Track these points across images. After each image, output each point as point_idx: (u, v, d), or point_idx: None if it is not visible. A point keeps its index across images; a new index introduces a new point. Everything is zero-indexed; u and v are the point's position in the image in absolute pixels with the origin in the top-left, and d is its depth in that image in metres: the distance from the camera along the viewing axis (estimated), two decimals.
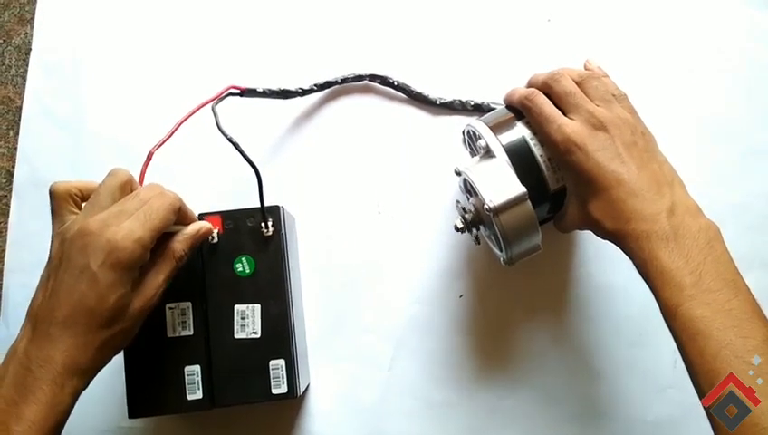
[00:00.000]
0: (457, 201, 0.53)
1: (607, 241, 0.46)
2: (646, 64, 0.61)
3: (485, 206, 0.46)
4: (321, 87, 0.59)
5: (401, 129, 0.61)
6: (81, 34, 0.62)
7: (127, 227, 0.42)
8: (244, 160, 0.48)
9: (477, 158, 0.50)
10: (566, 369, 0.58)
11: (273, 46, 0.62)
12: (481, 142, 0.50)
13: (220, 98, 0.50)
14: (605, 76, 0.49)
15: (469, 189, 0.50)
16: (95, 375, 0.43)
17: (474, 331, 0.58)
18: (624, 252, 0.45)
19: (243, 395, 0.49)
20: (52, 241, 0.44)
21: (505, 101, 0.52)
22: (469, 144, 0.55)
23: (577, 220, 0.48)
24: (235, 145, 0.48)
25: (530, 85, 0.51)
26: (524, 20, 0.62)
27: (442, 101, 0.60)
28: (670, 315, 0.41)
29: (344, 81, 0.60)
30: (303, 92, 0.59)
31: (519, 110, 0.50)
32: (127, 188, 0.45)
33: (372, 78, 0.60)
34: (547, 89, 0.49)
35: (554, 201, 0.50)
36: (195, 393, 0.49)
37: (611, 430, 0.57)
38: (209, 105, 0.50)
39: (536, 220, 0.47)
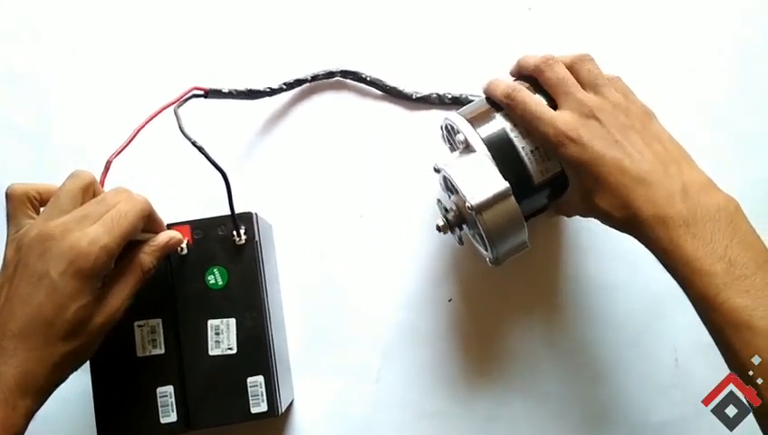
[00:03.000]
0: (438, 200, 0.51)
1: (621, 233, 0.44)
2: (628, 51, 0.59)
3: (467, 204, 0.44)
4: (290, 86, 0.57)
5: (378, 127, 0.58)
6: (44, 45, 0.60)
7: (92, 232, 0.39)
8: (212, 166, 0.45)
9: (457, 153, 0.48)
10: (564, 373, 0.56)
11: (239, 44, 0.59)
12: (459, 136, 0.47)
13: (183, 100, 0.48)
14: (592, 59, 0.47)
15: (450, 187, 0.48)
16: (50, 395, 0.40)
17: (465, 336, 0.56)
18: (641, 242, 0.43)
19: (220, 416, 0.47)
20: (6, 247, 0.41)
21: (485, 93, 0.50)
22: (448, 139, 0.52)
23: (582, 211, 0.47)
24: (200, 149, 0.45)
25: (520, 68, 0.49)
26: (504, 8, 0.60)
27: (418, 95, 0.58)
28: (706, 307, 0.39)
29: (315, 78, 0.57)
30: (272, 92, 0.56)
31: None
32: (90, 191, 0.43)
33: (344, 74, 0.58)
34: (538, 74, 0.47)
35: (553, 189, 0.48)
36: (168, 416, 0.47)
37: None
38: (172, 108, 0.47)
39: (521, 216, 0.45)
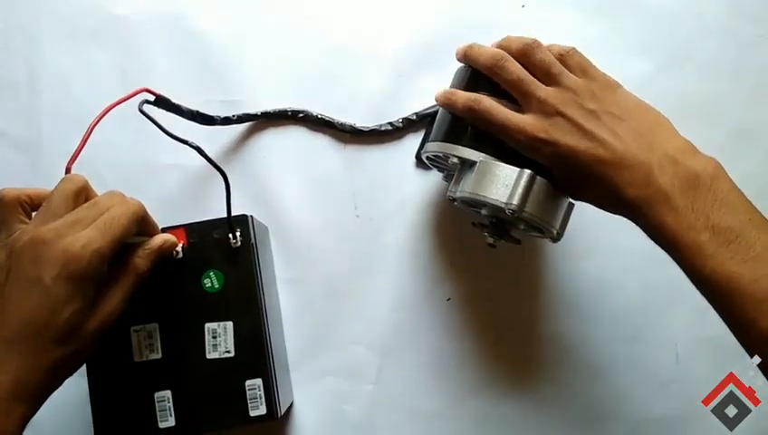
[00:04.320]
0: (473, 223, 0.50)
1: (616, 230, 0.45)
2: (623, 48, 0.59)
3: (508, 210, 0.44)
4: (240, 119, 0.56)
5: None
6: (35, 53, 0.59)
7: (84, 236, 0.39)
8: (206, 169, 0.45)
9: (458, 173, 0.48)
10: (562, 370, 0.55)
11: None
12: (452, 160, 0.47)
13: (132, 98, 0.46)
14: (540, 45, 0.46)
15: (475, 205, 0.48)
16: (44, 401, 0.40)
17: (463, 336, 0.56)
18: (634, 223, 0.42)
19: (219, 420, 0.46)
20: None
21: (444, 107, 0.49)
22: (440, 168, 0.53)
23: (574, 198, 0.47)
24: (198, 150, 0.45)
25: (471, 62, 0.48)
26: (497, 4, 0.59)
27: (367, 128, 0.56)
28: (696, 281, 0.39)
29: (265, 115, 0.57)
30: (223, 121, 0.55)
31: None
32: (82, 195, 0.42)
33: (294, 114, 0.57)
34: (493, 76, 0.46)
35: None
36: (166, 421, 0.46)
37: (613, 432, 0.55)
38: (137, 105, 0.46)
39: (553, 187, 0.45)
